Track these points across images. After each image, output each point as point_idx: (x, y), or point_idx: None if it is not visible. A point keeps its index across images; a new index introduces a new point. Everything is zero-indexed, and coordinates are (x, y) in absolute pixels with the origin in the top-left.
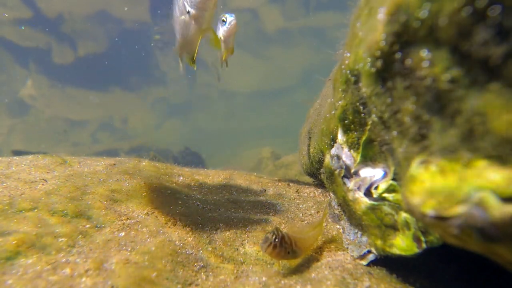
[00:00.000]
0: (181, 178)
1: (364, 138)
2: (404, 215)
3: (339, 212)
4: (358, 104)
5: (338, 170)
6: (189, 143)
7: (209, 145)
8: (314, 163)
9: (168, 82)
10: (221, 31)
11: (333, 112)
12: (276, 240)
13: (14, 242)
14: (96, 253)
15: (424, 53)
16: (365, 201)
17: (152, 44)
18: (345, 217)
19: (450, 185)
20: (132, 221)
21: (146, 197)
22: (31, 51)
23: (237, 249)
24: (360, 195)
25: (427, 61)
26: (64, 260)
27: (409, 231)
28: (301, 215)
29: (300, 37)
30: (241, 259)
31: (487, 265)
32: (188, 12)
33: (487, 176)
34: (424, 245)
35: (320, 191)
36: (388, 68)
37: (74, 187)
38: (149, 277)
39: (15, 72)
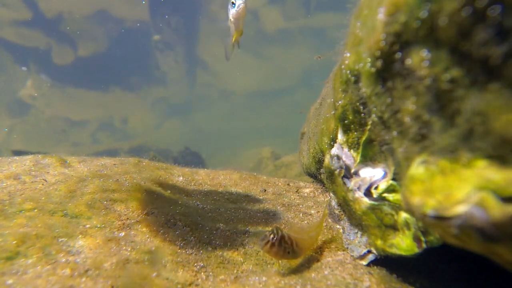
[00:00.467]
0: (181, 178)
1: (364, 138)
2: (404, 215)
3: (339, 212)
4: (358, 104)
5: (338, 170)
6: (189, 143)
7: (209, 145)
8: (314, 163)
9: (168, 82)
10: (231, 14)
11: (333, 112)
12: (275, 239)
13: (14, 242)
14: (96, 253)
15: (424, 53)
16: (365, 201)
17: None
18: (345, 217)
19: (450, 185)
20: (132, 221)
21: (146, 197)
22: (31, 51)
23: (237, 249)
24: (360, 195)
25: (427, 61)
26: (64, 260)
27: (409, 231)
28: (301, 215)
29: (300, 37)
30: (241, 259)
31: (487, 265)
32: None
33: (487, 176)
34: (424, 245)
35: (320, 191)
36: (388, 68)
37: (74, 187)
38: (149, 277)
39: (15, 72)
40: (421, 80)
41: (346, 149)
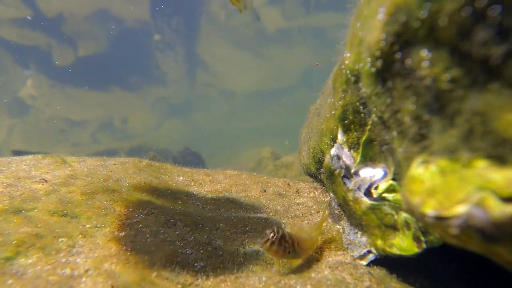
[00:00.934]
0: (181, 178)
1: (364, 138)
2: (404, 215)
3: (339, 212)
4: (358, 104)
5: (338, 170)
6: (189, 143)
7: (209, 145)
8: (314, 163)
9: (168, 82)
10: None
11: (333, 112)
12: (275, 237)
13: (14, 242)
14: (96, 253)
15: (424, 53)
16: (365, 201)
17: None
18: (345, 217)
19: (450, 185)
20: (132, 221)
21: (146, 197)
22: (31, 51)
23: (237, 249)
24: (360, 195)
25: (427, 61)
26: (64, 260)
27: (409, 231)
28: (301, 215)
29: (300, 37)
30: (241, 259)
31: (487, 265)
32: None
33: (487, 176)
34: (424, 245)
35: (320, 191)
36: (388, 68)
37: (74, 187)
38: (149, 277)
39: (15, 72)
40: (421, 80)
41: (346, 149)
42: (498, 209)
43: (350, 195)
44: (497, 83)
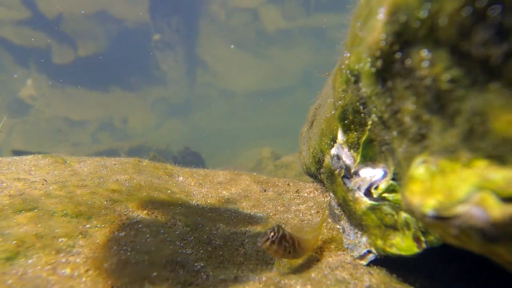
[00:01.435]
0: (181, 178)
1: (364, 138)
2: (404, 215)
3: (339, 212)
4: (358, 104)
5: (338, 170)
6: (189, 143)
7: (209, 145)
8: (314, 163)
9: (168, 82)
10: None
11: (333, 112)
12: (275, 237)
13: (14, 242)
14: (96, 253)
15: (424, 53)
16: (365, 201)
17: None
18: (345, 217)
19: (450, 185)
20: (132, 221)
21: (146, 197)
22: (31, 51)
23: (237, 249)
24: (360, 195)
25: (427, 61)
26: (64, 260)
27: (409, 231)
28: (301, 215)
29: (300, 37)
30: (241, 259)
31: (487, 265)
32: None
33: (487, 176)
34: (424, 245)
35: (320, 191)
36: (388, 68)
37: (74, 187)
38: (149, 277)
39: (15, 72)
40: (421, 80)
41: (346, 149)
42: (498, 209)
43: (350, 195)
44: (497, 83)
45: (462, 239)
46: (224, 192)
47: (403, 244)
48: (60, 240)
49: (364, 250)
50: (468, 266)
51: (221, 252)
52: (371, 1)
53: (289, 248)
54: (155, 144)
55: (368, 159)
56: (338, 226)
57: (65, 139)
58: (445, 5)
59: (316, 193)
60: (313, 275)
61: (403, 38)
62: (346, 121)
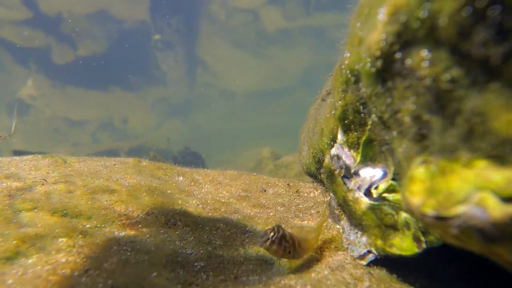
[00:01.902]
0: (181, 178)
1: (364, 138)
2: (404, 215)
3: (339, 212)
4: (358, 104)
5: (338, 170)
6: (189, 143)
7: (209, 145)
8: (314, 163)
9: (168, 82)
10: None
11: (333, 112)
12: (275, 237)
13: (14, 242)
14: (96, 253)
15: (424, 53)
16: (365, 201)
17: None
18: (345, 217)
19: (450, 185)
20: (132, 221)
21: (146, 197)
22: (31, 51)
23: (237, 249)
24: (360, 195)
25: (427, 61)
26: (64, 260)
27: (409, 231)
28: (301, 215)
29: (300, 37)
30: (241, 259)
31: (487, 265)
32: None
33: (487, 176)
34: (424, 245)
35: (320, 191)
36: (388, 68)
37: (74, 187)
38: (149, 277)
39: (15, 72)
40: (421, 80)
41: (346, 149)
42: (498, 209)
43: (350, 195)
44: (497, 83)
45: (462, 239)
46: (224, 192)
47: (403, 244)
48: (60, 240)
49: (364, 250)
50: (468, 266)
51: (221, 252)
52: (371, 1)
53: (289, 248)
54: (155, 144)
55: (368, 159)
56: (338, 226)
57: (65, 139)
58: (445, 5)
59: (316, 193)
60: (313, 275)
61: (403, 38)
62: (346, 121)
